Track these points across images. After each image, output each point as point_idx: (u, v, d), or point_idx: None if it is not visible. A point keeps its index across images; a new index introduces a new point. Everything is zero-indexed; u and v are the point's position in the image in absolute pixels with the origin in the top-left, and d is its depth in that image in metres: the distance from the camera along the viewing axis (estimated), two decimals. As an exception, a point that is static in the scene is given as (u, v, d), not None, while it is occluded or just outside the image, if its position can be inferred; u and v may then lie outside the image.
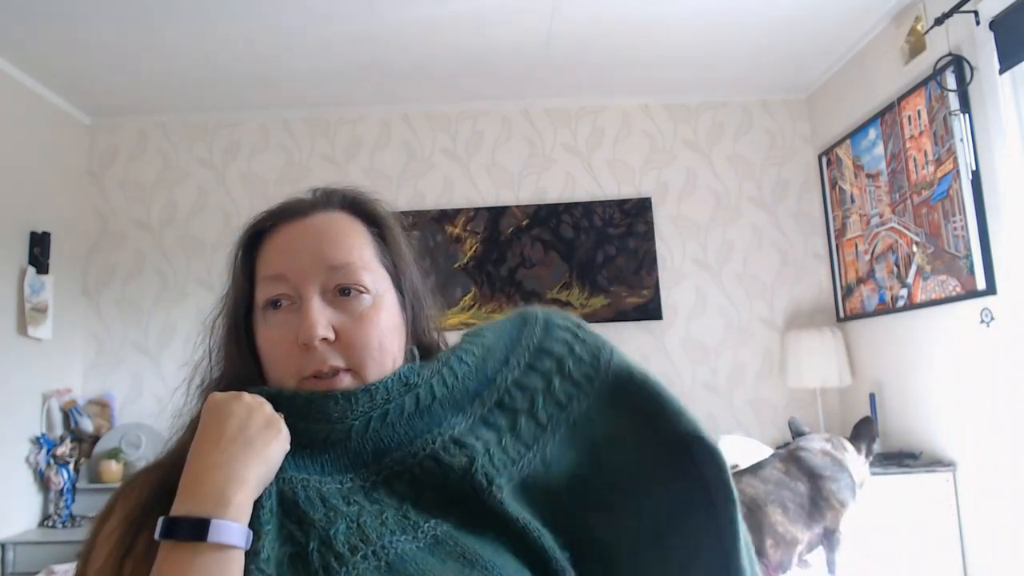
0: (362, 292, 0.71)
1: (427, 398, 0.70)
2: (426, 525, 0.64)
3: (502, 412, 0.72)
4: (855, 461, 2.29)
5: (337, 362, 0.68)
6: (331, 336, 0.68)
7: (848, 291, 3.53)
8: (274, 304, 0.70)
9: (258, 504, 0.61)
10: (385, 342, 0.71)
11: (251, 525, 0.59)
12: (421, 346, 0.79)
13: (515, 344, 0.76)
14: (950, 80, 2.61)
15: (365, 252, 0.74)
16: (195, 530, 0.56)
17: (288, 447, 0.64)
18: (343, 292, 0.70)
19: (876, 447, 2.38)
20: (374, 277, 0.73)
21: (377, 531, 0.61)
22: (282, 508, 0.62)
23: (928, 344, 2.91)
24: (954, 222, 2.65)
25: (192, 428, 0.68)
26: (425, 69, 3.40)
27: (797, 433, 2.46)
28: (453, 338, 0.81)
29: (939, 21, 2.58)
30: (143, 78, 3.33)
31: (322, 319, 0.68)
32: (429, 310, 0.81)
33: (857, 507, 2.21)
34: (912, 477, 2.77)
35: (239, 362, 0.73)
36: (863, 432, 2.38)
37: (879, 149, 3.15)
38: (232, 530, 0.57)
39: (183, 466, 0.61)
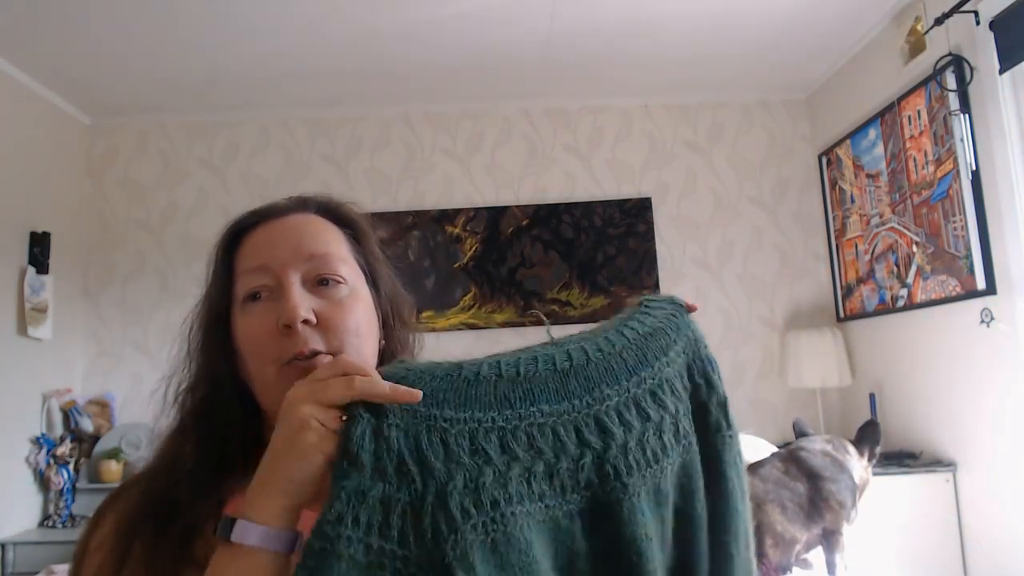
0: (340, 282, 0.74)
1: (580, 358, 0.63)
2: (553, 502, 0.57)
3: (655, 402, 0.63)
4: (856, 463, 2.29)
5: (317, 345, 0.69)
6: (312, 319, 0.70)
7: (848, 291, 3.53)
8: (254, 296, 0.72)
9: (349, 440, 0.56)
10: (362, 330, 0.73)
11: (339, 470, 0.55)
12: (394, 346, 0.80)
13: (676, 341, 0.67)
14: (950, 80, 2.61)
15: (341, 248, 0.77)
16: (224, 529, 0.57)
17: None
18: (322, 282, 0.73)
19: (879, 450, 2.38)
20: (350, 271, 0.76)
21: (494, 495, 0.55)
22: (407, 446, 0.56)
23: (928, 344, 2.91)
24: (954, 222, 2.65)
25: (172, 433, 0.70)
26: (425, 69, 3.40)
27: (801, 434, 2.46)
28: (433, 339, 0.81)
29: (939, 21, 2.58)
30: (143, 78, 3.33)
31: (304, 302, 0.70)
32: (404, 311, 0.82)
33: (857, 509, 2.21)
34: (912, 477, 2.77)
35: (218, 359, 0.74)
36: (867, 435, 2.38)
37: (879, 149, 3.15)
38: (249, 531, 0.56)
39: (167, 474, 0.61)
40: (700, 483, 0.63)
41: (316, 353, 0.69)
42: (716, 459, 0.64)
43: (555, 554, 0.56)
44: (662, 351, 0.66)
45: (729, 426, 0.65)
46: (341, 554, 0.51)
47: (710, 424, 0.65)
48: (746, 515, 0.64)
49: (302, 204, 0.80)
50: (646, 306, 0.70)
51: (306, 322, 0.69)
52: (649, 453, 0.61)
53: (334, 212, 0.80)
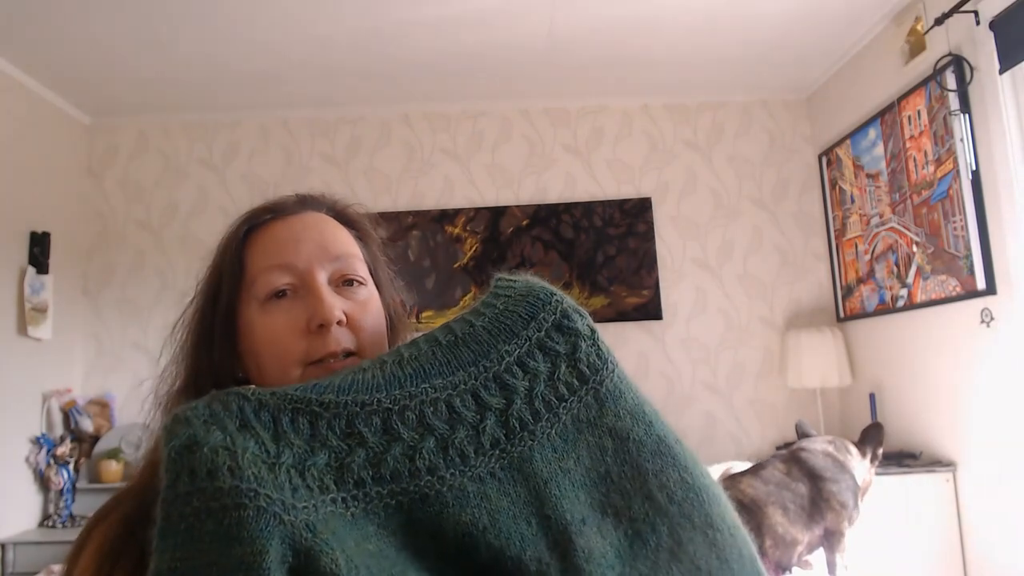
0: (362, 283, 0.74)
1: (464, 328, 0.64)
2: (450, 472, 0.55)
3: (499, 389, 0.61)
4: (859, 464, 2.29)
5: (348, 344, 0.69)
6: (344, 319, 0.69)
7: (848, 291, 3.53)
8: (277, 295, 0.70)
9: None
10: (381, 330, 0.74)
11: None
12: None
13: (525, 325, 0.66)
14: (950, 80, 2.61)
15: (355, 248, 0.76)
16: None
17: None
18: (346, 283, 0.73)
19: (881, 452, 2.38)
20: (367, 272, 0.76)
21: (360, 475, 0.54)
22: (255, 413, 0.54)
23: (928, 344, 2.91)
24: (954, 222, 2.65)
25: (156, 446, 0.66)
26: (425, 69, 3.40)
27: (803, 435, 2.46)
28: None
29: (939, 21, 2.58)
30: (143, 78, 3.33)
31: (336, 301, 0.69)
32: (403, 311, 0.82)
33: (859, 509, 2.21)
34: (912, 477, 2.77)
35: (220, 359, 0.71)
36: (871, 437, 2.38)
37: (879, 149, 3.15)
38: None
39: (152, 493, 0.55)
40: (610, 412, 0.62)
41: (349, 353, 0.69)
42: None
43: (472, 520, 0.54)
44: (540, 304, 0.66)
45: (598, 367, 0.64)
46: (186, 513, 0.47)
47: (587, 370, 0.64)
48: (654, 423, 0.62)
49: (313, 203, 0.78)
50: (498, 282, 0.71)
51: (338, 322, 0.69)
52: (553, 398, 0.61)
53: (342, 213, 0.80)
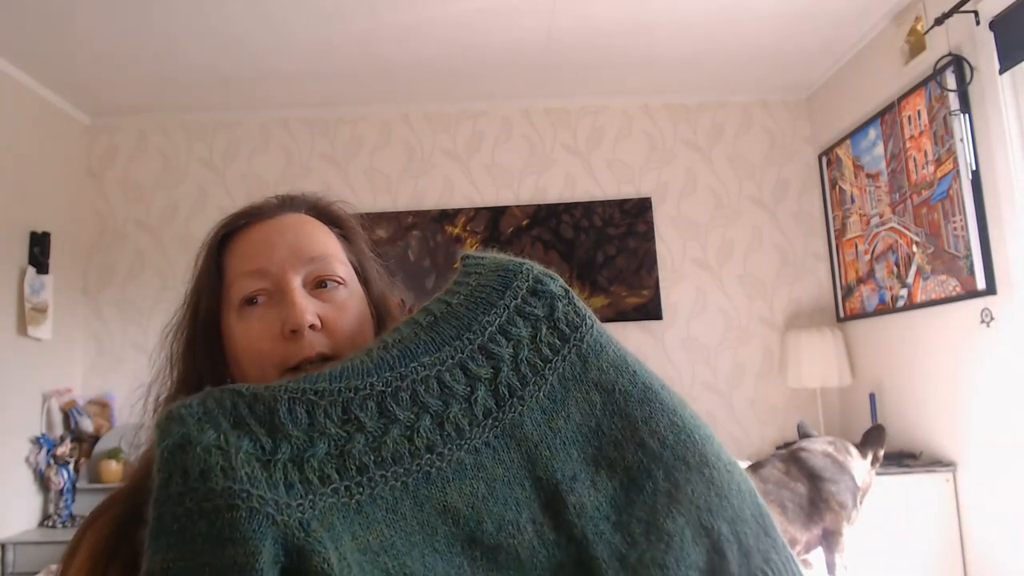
0: (340, 284, 0.72)
1: (442, 308, 0.64)
2: (447, 447, 0.56)
3: (486, 359, 0.62)
4: (859, 464, 2.29)
5: (323, 348, 0.67)
6: (318, 323, 0.67)
7: (848, 291, 3.53)
8: (250, 301, 0.69)
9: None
10: (362, 330, 0.72)
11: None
12: None
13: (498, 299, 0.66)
14: (950, 80, 2.61)
15: (336, 247, 0.75)
16: None
17: None
18: (321, 284, 0.71)
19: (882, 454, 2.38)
20: (346, 271, 0.74)
21: (362, 461, 0.54)
22: (249, 408, 0.54)
23: (928, 344, 2.91)
24: (954, 222, 2.65)
25: (147, 450, 0.66)
26: (425, 69, 3.40)
27: (804, 436, 2.46)
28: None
29: (939, 21, 2.58)
30: (143, 78, 3.33)
31: (309, 305, 0.68)
32: (393, 308, 0.80)
33: (858, 510, 2.21)
34: (912, 477, 2.77)
35: (205, 366, 0.71)
36: (872, 439, 2.38)
37: (879, 149, 3.14)
38: None
39: (146, 494, 0.54)
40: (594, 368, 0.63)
41: (325, 358, 0.67)
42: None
43: (472, 491, 0.56)
44: (512, 274, 0.67)
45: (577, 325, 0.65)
46: (179, 514, 0.48)
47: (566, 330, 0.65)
48: (636, 368, 0.64)
49: (292, 204, 0.77)
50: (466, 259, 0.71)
51: (311, 326, 0.67)
52: (538, 360, 0.62)
53: (324, 211, 0.78)
